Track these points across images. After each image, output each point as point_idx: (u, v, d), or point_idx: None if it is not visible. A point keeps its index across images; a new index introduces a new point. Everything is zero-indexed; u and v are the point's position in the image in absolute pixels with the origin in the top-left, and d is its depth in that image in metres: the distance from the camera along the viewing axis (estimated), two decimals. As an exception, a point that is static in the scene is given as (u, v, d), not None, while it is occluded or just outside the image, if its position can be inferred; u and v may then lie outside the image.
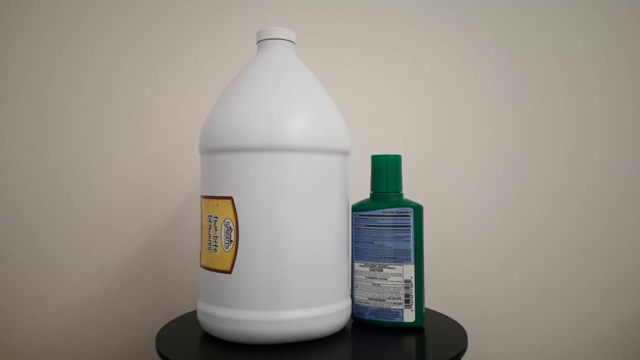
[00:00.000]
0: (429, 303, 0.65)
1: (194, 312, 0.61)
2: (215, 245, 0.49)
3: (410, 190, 0.78)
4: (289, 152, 0.47)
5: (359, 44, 0.77)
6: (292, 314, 0.47)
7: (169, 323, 0.56)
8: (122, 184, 0.72)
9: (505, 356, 0.79)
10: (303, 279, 0.48)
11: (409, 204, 0.53)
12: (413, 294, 0.52)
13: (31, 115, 0.70)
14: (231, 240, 0.48)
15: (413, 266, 0.52)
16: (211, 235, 0.50)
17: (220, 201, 0.49)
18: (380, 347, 0.48)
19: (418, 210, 0.53)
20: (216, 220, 0.49)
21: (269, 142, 0.47)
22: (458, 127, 0.79)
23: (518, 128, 0.80)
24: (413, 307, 0.52)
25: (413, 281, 0.52)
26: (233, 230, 0.48)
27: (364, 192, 0.56)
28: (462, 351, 0.48)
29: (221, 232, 0.49)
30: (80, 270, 0.71)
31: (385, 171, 0.55)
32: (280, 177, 0.47)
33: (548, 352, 0.79)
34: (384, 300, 0.53)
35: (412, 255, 0.53)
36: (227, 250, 0.48)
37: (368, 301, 0.54)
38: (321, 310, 0.48)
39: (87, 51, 0.72)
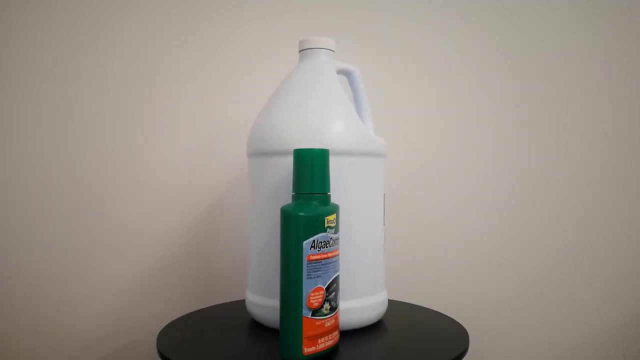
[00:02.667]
0: (429, 303, 0.65)
1: (194, 313, 0.61)
2: None
3: (410, 192, 0.78)
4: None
5: (359, 44, 0.77)
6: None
7: (169, 323, 0.56)
8: (119, 181, 0.72)
9: (506, 356, 0.79)
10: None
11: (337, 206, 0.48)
12: None
13: (45, 116, 0.70)
14: None
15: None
16: None
17: None
18: (381, 348, 0.48)
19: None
20: None
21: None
22: (460, 130, 0.79)
23: (519, 128, 0.80)
24: None
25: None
26: None
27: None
28: (464, 351, 0.48)
29: None
30: (80, 270, 0.71)
31: (311, 169, 0.46)
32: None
33: (548, 352, 0.79)
34: None
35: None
36: None
37: None
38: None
39: (121, 53, 0.72)
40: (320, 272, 0.44)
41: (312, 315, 0.43)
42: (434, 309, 0.62)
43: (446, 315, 0.59)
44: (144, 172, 0.73)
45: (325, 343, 0.44)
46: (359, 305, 0.51)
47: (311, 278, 0.43)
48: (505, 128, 0.79)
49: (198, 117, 0.74)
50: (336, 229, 0.46)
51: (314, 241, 0.43)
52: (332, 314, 0.45)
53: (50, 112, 0.71)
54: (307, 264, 0.43)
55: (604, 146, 0.80)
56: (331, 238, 0.45)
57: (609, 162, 0.80)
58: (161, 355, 0.47)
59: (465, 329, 0.54)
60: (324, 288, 0.44)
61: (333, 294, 0.45)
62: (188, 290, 0.73)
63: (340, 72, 0.58)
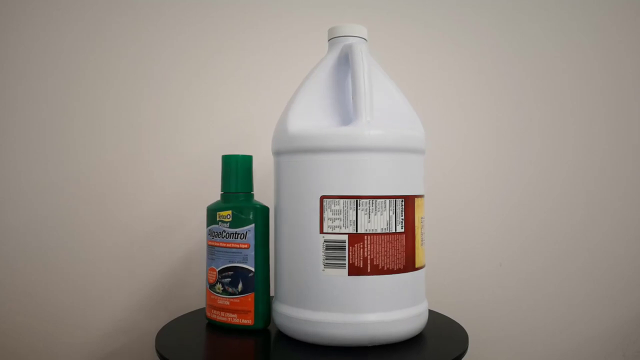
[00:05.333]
0: (429, 303, 0.65)
1: (194, 312, 0.61)
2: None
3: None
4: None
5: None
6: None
7: (169, 323, 0.56)
8: (120, 182, 0.72)
9: (506, 356, 0.79)
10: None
11: (254, 205, 0.54)
12: None
13: (53, 116, 0.70)
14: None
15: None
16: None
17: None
18: (378, 348, 0.48)
19: (263, 211, 0.54)
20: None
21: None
22: (460, 129, 0.79)
23: (520, 129, 0.79)
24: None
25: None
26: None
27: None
28: (463, 352, 0.48)
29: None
30: (79, 270, 0.71)
31: (235, 172, 0.56)
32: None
33: (548, 352, 0.79)
34: None
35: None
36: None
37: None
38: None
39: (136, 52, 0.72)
40: (213, 256, 0.56)
41: (209, 288, 0.56)
42: (434, 309, 0.62)
43: (445, 316, 0.59)
44: (146, 173, 0.73)
45: (218, 317, 0.55)
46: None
47: (209, 259, 0.56)
48: (505, 128, 0.79)
49: (203, 117, 0.74)
50: (232, 224, 0.54)
51: (210, 230, 0.56)
52: (227, 297, 0.54)
53: (51, 113, 0.70)
54: (207, 247, 0.57)
55: (605, 147, 0.80)
56: (224, 230, 0.54)
57: (610, 162, 0.80)
58: (160, 355, 0.47)
59: (464, 329, 0.54)
60: (217, 270, 0.55)
61: (228, 279, 0.54)
62: (187, 290, 0.73)
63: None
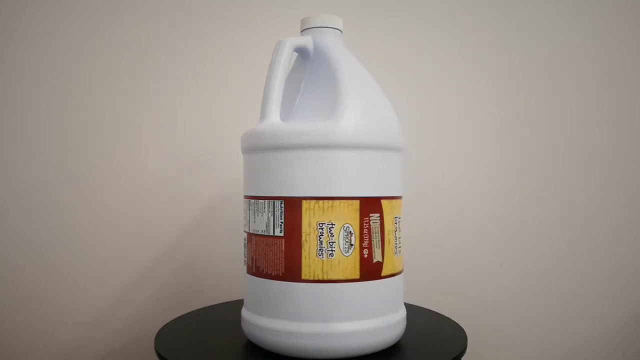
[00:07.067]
0: (428, 303, 0.65)
1: (193, 313, 0.61)
2: (400, 247, 0.49)
3: (410, 191, 0.78)
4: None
5: (358, 42, 0.77)
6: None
7: (168, 323, 0.56)
8: (120, 181, 0.72)
9: (505, 356, 0.79)
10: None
11: None
12: None
13: (51, 115, 0.70)
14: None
15: None
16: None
17: (400, 201, 0.50)
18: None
19: None
20: (400, 221, 0.49)
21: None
22: (459, 128, 0.79)
23: (519, 129, 0.79)
24: None
25: None
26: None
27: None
28: (463, 352, 0.48)
29: (401, 233, 0.50)
30: (80, 271, 0.71)
31: None
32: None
33: (548, 352, 0.79)
34: None
35: None
36: (403, 248, 0.50)
37: None
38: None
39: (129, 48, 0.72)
40: None
41: None
42: (433, 309, 0.62)
43: (444, 316, 0.59)
44: (145, 172, 0.73)
45: None
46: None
47: None
48: (505, 128, 0.79)
49: (204, 117, 0.74)
50: None
51: None
52: None
53: (51, 112, 0.71)
54: None
55: (605, 147, 0.80)
56: None
57: (610, 162, 0.80)
58: (159, 355, 0.47)
59: (463, 330, 0.54)
60: None
61: None
62: (187, 289, 0.73)
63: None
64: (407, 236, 0.77)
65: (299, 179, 0.45)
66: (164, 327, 0.55)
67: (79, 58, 0.71)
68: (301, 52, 0.51)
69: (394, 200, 0.48)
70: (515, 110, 0.79)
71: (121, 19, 0.72)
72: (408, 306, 0.63)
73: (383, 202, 0.47)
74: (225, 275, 0.74)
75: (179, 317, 0.59)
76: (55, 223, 0.70)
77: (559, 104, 0.80)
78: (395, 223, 0.48)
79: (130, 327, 0.72)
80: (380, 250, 0.46)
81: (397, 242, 0.49)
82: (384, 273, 0.46)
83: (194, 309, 0.64)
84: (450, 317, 0.59)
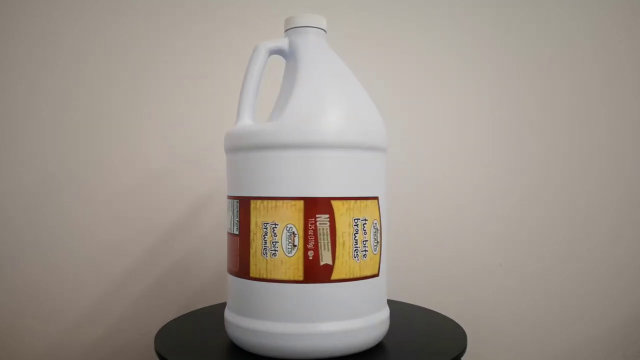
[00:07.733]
0: (428, 303, 0.65)
1: (193, 313, 0.61)
2: (365, 250, 0.46)
3: (410, 191, 0.78)
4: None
5: (358, 42, 0.77)
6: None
7: (168, 323, 0.56)
8: (119, 182, 0.72)
9: (505, 356, 0.79)
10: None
11: None
12: None
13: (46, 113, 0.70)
14: (378, 242, 0.48)
15: None
16: (358, 240, 0.46)
17: (369, 202, 0.46)
18: (375, 347, 0.48)
19: None
20: (364, 223, 0.46)
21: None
22: (459, 129, 0.79)
23: (519, 129, 0.79)
24: None
25: None
26: (379, 232, 0.48)
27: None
28: (462, 351, 0.47)
29: (370, 236, 0.47)
30: (80, 271, 0.71)
31: None
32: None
33: (548, 352, 0.79)
34: None
35: None
36: (375, 252, 0.47)
37: None
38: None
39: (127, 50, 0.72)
40: None
41: None
42: (433, 309, 0.62)
43: (444, 316, 0.59)
44: (145, 172, 0.73)
45: None
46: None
47: None
48: (504, 127, 0.79)
49: (204, 117, 0.74)
50: None
51: None
52: None
53: (51, 112, 0.71)
54: None
55: (605, 147, 0.80)
56: None
57: (610, 162, 0.80)
58: (159, 355, 0.47)
59: (463, 329, 0.54)
60: None
61: None
62: (186, 290, 0.73)
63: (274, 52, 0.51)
64: (407, 236, 0.78)
65: (247, 179, 0.46)
66: (164, 327, 0.55)
67: (79, 58, 0.72)
68: (280, 53, 0.51)
69: (352, 201, 0.45)
70: (515, 110, 0.79)
71: (121, 19, 0.72)
72: (408, 306, 0.63)
73: (334, 202, 0.44)
74: (225, 275, 0.74)
75: (179, 317, 0.59)
76: (55, 223, 0.70)
77: (559, 104, 0.80)
78: (355, 225, 0.45)
79: (130, 327, 0.72)
80: (329, 252, 0.44)
81: (361, 245, 0.46)
82: (334, 277, 0.44)
83: (194, 308, 0.64)
84: (450, 317, 0.59)
